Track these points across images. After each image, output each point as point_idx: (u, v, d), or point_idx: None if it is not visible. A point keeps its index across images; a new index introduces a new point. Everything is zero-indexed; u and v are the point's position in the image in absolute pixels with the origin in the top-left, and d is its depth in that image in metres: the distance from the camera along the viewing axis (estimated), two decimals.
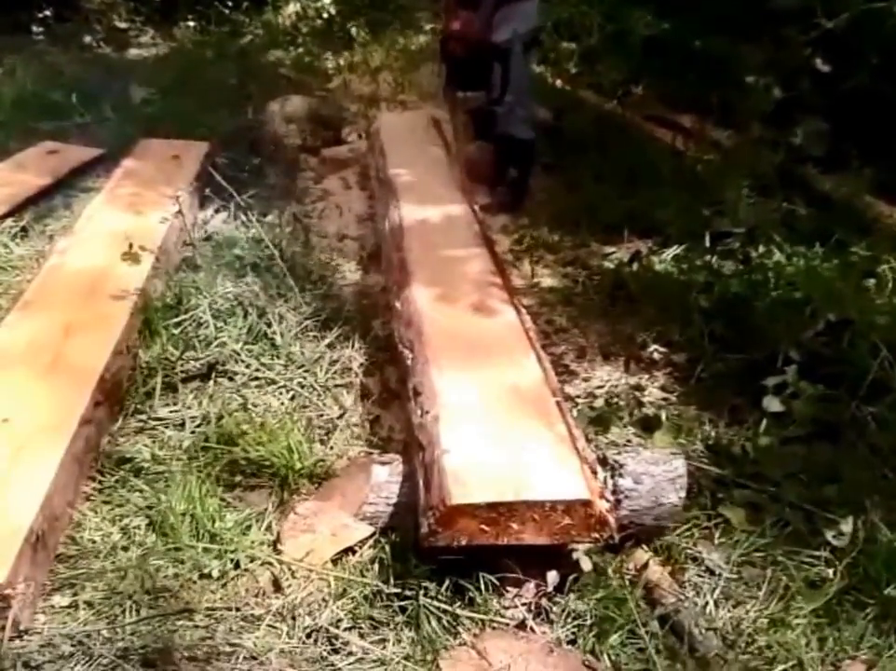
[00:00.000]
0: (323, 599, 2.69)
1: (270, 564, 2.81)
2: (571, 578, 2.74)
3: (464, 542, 2.59)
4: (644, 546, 2.94)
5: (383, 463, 3.01)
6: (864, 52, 5.90)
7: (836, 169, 5.77)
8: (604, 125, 6.94)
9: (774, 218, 5.25)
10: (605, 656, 2.57)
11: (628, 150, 6.28)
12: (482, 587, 2.67)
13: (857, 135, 5.66)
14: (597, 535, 2.63)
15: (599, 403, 3.69)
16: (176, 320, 3.91)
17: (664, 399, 3.83)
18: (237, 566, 2.80)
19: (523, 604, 2.69)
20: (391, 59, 9.11)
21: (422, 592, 2.65)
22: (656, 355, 4.12)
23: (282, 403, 3.61)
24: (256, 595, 2.71)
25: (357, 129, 7.13)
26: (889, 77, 5.74)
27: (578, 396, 3.75)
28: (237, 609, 2.65)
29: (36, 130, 6.59)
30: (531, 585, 2.71)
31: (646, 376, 3.98)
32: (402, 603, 2.66)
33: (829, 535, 3.04)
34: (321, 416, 3.56)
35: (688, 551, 2.98)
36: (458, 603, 2.65)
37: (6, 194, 5.30)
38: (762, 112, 6.18)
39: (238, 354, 3.80)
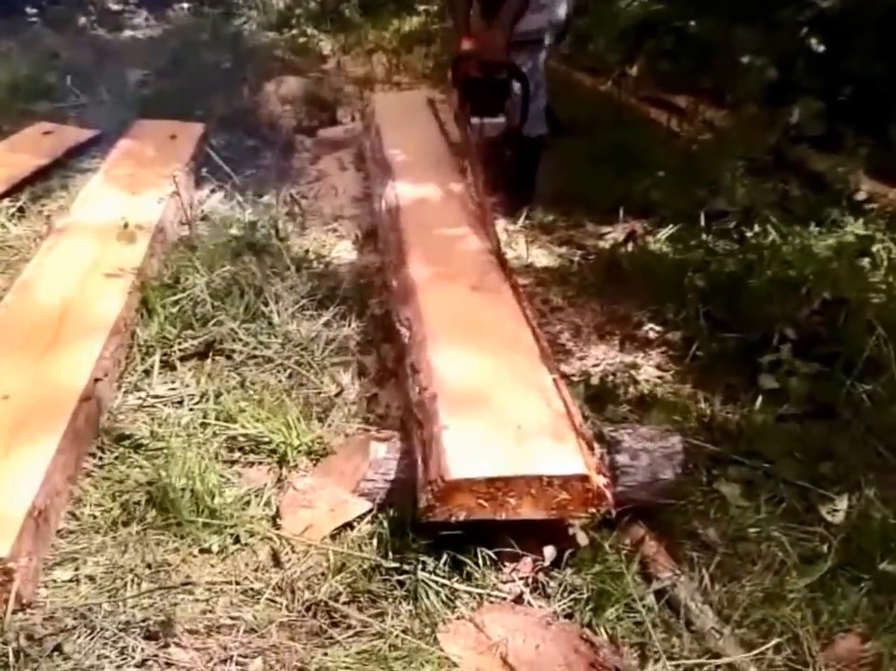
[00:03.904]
0: (322, 573, 2.72)
1: (269, 539, 2.83)
2: (568, 553, 2.76)
3: (462, 517, 2.61)
4: (641, 522, 2.95)
5: (381, 440, 3.02)
6: (858, 33, 5.91)
7: (831, 149, 5.77)
8: (598, 106, 6.94)
9: (769, 198, 5.26)
10: (602, 629, 2.60)
11: (623, 131, 6.26)
12: (480, 562, 2.69)
13: (851, 116, 5.67)
14: (594, 510, 2.65)
15: (595, 381, 3.70)
16: (173, 298, 3.92)
17: (659, 377, 3.85)
18: (236, 541, 2.82)
19: (521, 578, 2.71)
20: (385, 40, 9.10)
21: (420, 566, 2.66)
22: (651, 334, 4.15)
23: (280, 381, 3.62)
24: (256, 570, 2.74)
25: (352, 110, 7.13)
26: (883, 58, 5.75)
27: (574, 375, 3.76)
28: (237, 583, 2.68)
29: (32, 112, 6.57)
30: (528, 560, 2.73)
31: (642, 355, 4.00)
32: (401, 577, 2.68)
33: (824, 511, 3.07)
34: (319, 394, 3.58)
35: (684, 526, 3.00)
36: (456, 577, 2.68)
37: (3, 175, 5.29)
38: (756, 92, 6.19)
39: (236, 333, 3.81)
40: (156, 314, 3.85)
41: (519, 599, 2.67)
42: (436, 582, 2.65)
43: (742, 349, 3.86)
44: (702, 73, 6.83)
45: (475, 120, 4.72)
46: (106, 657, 2.42)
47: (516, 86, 4.74)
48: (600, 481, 2.63)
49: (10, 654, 2.36)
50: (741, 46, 6.51)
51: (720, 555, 2.88)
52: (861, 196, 5.30)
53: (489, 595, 2.67)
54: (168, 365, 3.67)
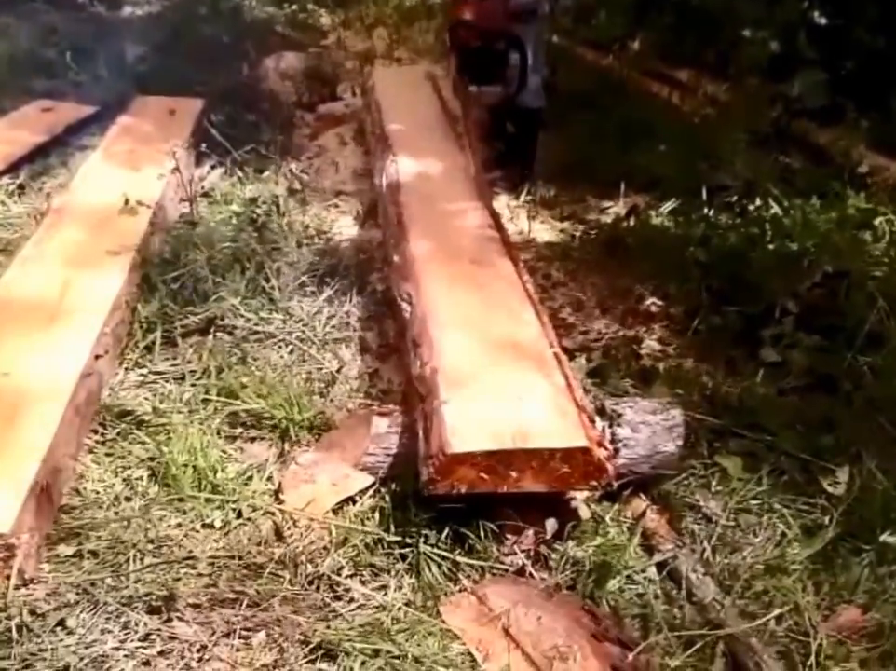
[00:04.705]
0: (325, 547, 2.72)
1: (272, 513, 2.84)
2: (570, 525, 2.77)
3: (463, 491, 2.61)
4: (642, 494, 2.97)
5: (382, 414, 3.02)
6: (861, 5, 5.89)
7: (833, 122, 5.76)
8: (600, 81, 6.92)
9: (771, 171, 5.26)
10: (604, 601, 2.62)
11: (624, 105, 6.26)
12: (482, 534, 2.70)
13: (854, 88, 5.65)
14: (595, 482, 2.65)
15: (596, 355, 3.71)
16: (174, 275, 3.92)
17: (661, 351, 3.86)
18: (239, 515, 2.83)
19: (523, 551, 2.72)
20: (386, 15, 9.05)
21: (422, 539, 2.68)
22: (653, 308, 4.15)
23: (282, 357, 3.63)
24: (258, 544, 2.74)
25: (352, 85, 7.10)
26: (886, 30, 5.72)
27: (576, 349, 3.76)
28: (240, 558, 2.68)
29: (31, 88, 6.53)
30: (530, 533, 2.74)
31: (644, 329, 4.01)
32: (403, 550, 2.69)
33: (825, 483, 3.08)
34: (321, 369, 3.58)
35: (686, 499, 3.01)
36: (458, 550, 2.69)
37: (2, 152, 5.27)
38: (759, 65, 6.17)
39: (237, 309, 3.80)
40: (157, 291, 3.84)
41: (521, 572, 2.69)
42: (438, 555, 2.66)
43: (744, 323, 3.87)
44: (704, 46, 6.80)
45: (472, 88, 4.83)
46: (109, 632, 2.43)
47: (514, 56, 4.73)
48: (601, 454, 2.63)
49: (13, 629, 2.36)
50: (743, 19, 6.48)
51: (721, 527, 2.90)
52: (862, 169, 5.30)
53: (491, 567, 2.68)
54: (169, 342, 3.66)
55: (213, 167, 5.27)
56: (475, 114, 4.85)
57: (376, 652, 2.38)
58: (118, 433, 3.17)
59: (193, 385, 3.43)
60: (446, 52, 5.41)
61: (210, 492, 2.88)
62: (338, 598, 2.58)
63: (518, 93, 4.88)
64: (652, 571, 2.71)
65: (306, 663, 2.38)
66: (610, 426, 2.90)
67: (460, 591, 2.61)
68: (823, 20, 5.87)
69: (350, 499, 2.88)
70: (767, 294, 3.92)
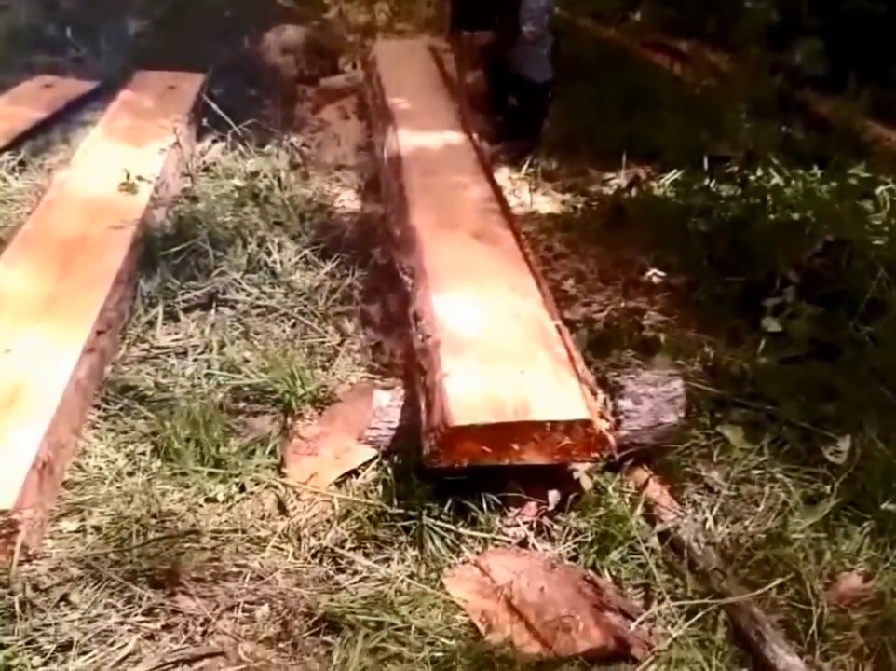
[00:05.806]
0: (328, 520, 2.74)
1: (275, 487, 2.85)
2: (572, 497, 2.78)
3: (466, 463, 2.62)
4: (644, 465, 2.97)
5: (385, 388, 3.03)
6: None
7: (835, 91, 5.74)
8: (602, 52, 6.89)
9: (772, 141, 5.25)
10: (606, 572, 2.63)
11: (626, 77, 6.24)
12: (485, 507, 2.71)
13: (855, 58, 5.62)
14: (597, 454, 2.66)
15: (598, 326, 3.71)
16: (176, 249, 3.91)
17: (663, 322, 3.85)
18: (242, 489, 2.84)
19: (525, 522, 2.74)
20: None
21: (425, 512, 2.68)
22: (654, 279, 4.14)
23: (284, 331, 3.64)
24: (262, 518, 2.76)
25: (354, 58, 7.07)
26: None
27: (578, 321, 3.75)
28: (244, 531, 2.69)
29: (31, 64, 6.51)
30: (532, 504, 2.75)
31: (645, 300, 4.01)
32: (406, 523, 2.70)
33: (827, 452, 3.09)
34: (323, 343, 3.58)
35: (688, 469, 3.02)
36: (461, 522, 2.70)
37: (3, 128, 5.26)
38: (759, 35, 6.14)
39: (239, 283, 3.81)
40: (159, 266, 3.84)
41: (523, 543, 2.70)
42: (441, 528, 2.67)
43: (746, 293, 3.87)
44: (705, 16, 6.77)
45: (466, 33, 5.16)
46: (113, 606, 2.44)
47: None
48: (602, 425, 2.64)
49: (17, 605, 2.38)
50: None
51: (723, 497, 2.91)
52: (864, 138, 5.28)
53: (494, 539, 2.69)
54: (171, 317, 3.67)
55: (214, 141, 5.25)
56: (468, 72, 5.17)
57: (380, 624, 2.39)
58: (121, 409, 3.18)
59: (195, 360, 3.44)
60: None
61: (213, 466, 2.90)
62: (341, 571, 2.60)
63: (511, 37, 4.97)
64: (654, 541, 2.71)
65: (310, 635, 2.40)
66: (612, 398, 2.90)
67: (463, 563, 2.62)
68: None
69: (353, 473, 2.89)
70: (769, 263, 3.91)
